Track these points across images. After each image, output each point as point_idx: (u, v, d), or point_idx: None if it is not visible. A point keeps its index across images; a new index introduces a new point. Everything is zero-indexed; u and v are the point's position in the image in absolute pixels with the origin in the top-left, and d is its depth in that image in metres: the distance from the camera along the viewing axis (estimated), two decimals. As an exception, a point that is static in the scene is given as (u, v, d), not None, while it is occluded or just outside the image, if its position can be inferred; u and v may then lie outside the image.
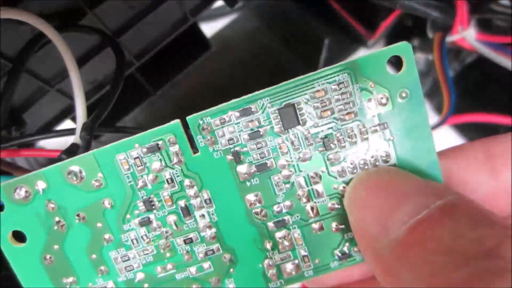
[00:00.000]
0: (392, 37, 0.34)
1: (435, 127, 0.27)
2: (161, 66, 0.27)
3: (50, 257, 0.14)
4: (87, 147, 0.16)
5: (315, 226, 0.15)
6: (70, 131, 0.18)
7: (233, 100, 0.14)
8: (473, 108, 0.26)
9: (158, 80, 0.28)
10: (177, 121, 0.14)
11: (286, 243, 0.15)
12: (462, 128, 0.33)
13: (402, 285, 0.11)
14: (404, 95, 0.14)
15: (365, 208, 0.13)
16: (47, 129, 0.20)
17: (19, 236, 0.14)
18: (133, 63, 0.24)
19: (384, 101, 0.14)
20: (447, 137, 0.32)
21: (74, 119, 0.25)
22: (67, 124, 0.24)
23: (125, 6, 0.21)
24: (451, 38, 0.25)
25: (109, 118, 0.20)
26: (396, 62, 0.14)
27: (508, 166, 0.15)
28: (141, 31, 0.22)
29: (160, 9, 0.22)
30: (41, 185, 0.14)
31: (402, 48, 0.13)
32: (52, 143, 0.22)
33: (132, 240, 0.14)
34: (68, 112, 0.23)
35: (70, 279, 0.15)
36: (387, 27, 0.31)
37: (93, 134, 0.16)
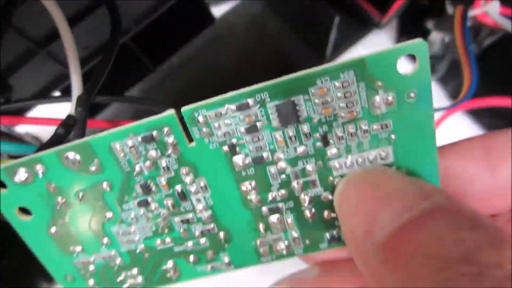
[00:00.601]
0: (405, 17, 0.30)
1: (448, 109, 0.26)
2: (161, 40, 0.25)
3: (56, 230, 0.15)
4: (83, 123, 0.15)
5: (308, 213, 0.15)
6: (66, 98, 0.17)
7: (230, 94, 0.13)
8: (491, 93, 0.25)
9: (157, 55, 0.26)
10: (171, 112, 0.13)
11: (278, 226, 0.15)
12: (477, 114, 0.31)
13: (385, 286, 0.12)
14: (412, 95, 0.13)
15: (352, 211, 0.13)
16: (42, 95, 0.19)
17: (25, 210, 0.15)
18: (130, 28, 0.22)
19: (390, 100, 0.13)
20: (461, 124, 0.30)
21: (65, 90, 0.23)
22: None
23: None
24: (472, 13, 0.22)
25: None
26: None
27: (506, 163, 0.14)
28: None
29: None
30: (40, 168, 0.14)
31: (417, 46, 0.12)
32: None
33: (132, 218, 0.15)
34: (60, 81, 0.22)
35: (77, 248, 0.16)
36: (400, 7, 0.28)
37: (88, 108, 0.16)
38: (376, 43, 0.31)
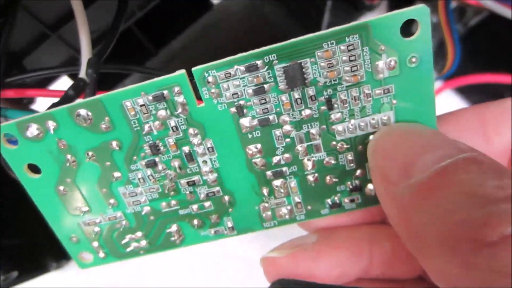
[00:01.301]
0: (394, 0, 0.31)
1: (436, 84, 0.26)
2: (162, 25, 0.26)
3: (63, 189, 0.16)
4: (93, 84, 0.16)
5: (310, 178, 0.15)
6: (75, 68, 0.18)
7: (240, 55, 0.13)
8: (478, 71, 0.25)
9: (159, 39, 0.27)
10: (182, 71, 0.14)
11: (282, 190, 0.16)
12: (466, 91, 0.32)
13: (417, 225, 0.12)
14: (414, 60, 0.13)
15: (388, 155, 0.13)
16: (50, 67, 0.20)
17: (34, 169, 0.15)
18: (134, 13, 0.22)
19: (392, 64, 0.13)
20: (451, 101, 0.31)
21: (72, 76, 0.24)
22: (65, 80, 0.24)
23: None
24: None
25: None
26: (404, 26, 0.13)
27: (500, 130, 0.15)
28: None
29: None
30: (51, 124, 0.14)
31: (420, 11, 0.13)
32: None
33: (139, 179, 0.15)
34: (69, 64, 0.22)
35: (84, 208, 0.16)
36: None
37: (98, 70, 0.16)
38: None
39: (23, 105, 0.24)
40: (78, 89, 0.16)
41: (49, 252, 0.28)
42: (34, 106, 0.27)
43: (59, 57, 0.23)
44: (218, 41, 0.31)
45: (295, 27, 0.32)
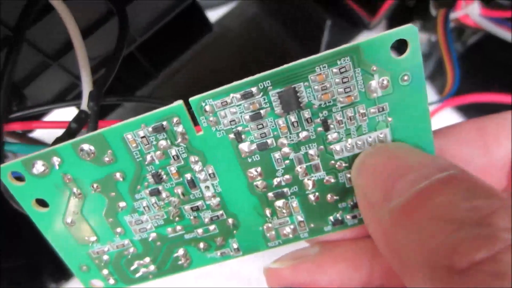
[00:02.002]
0: (394, 19, 0.32)
1: (437, 104, 0.27)
2: (163, 48, 0.27)
3: (71, 220, 0.16)
4: (95, 117, 0.16)
5: (312, 197, 0.16)
6: (77, 102, 0.18)
7: (235, 83, 0.14)
8: (476, 90, 0.26)
9: (160, 61, 0.27)
10: (180, 102, 0.14)
11: (284, 210, 0.16)
12: (465, 110, 0.32)
13: (398, 248, 0.12)
14: (406, 78, 0.14)
15: (370, 177, 0.14)
16: (53, 101, 0.20)
17: (42, 202, 0.16)
18: (135, 40, 0.23)
19: (385, 83, 0.14)
20: (449, 119, 0.31)
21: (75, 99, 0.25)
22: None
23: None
24: (454, 15, 0.23)
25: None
26: (398, 45, 0.13)
27: (499, 141, 0.15)
28: (143, 6, 0.21)
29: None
30: (56, 160, 0.15)
31: (408, 31, 0.13)
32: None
33: (144, 207, 0.16)
34: (70, 90, 0.23)
35: (92, 238, 0.16)
36: (388, 8, 0.29)
37: (100, 103, 0.17)
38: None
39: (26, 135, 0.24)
40: (81, 122, 0.16)
41: (48, 272, 0.28)
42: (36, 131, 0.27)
43: (60, 84, 0.23)
44: (217, 59, 0.32)
45: (293, 44, 0.33)
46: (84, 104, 0.17)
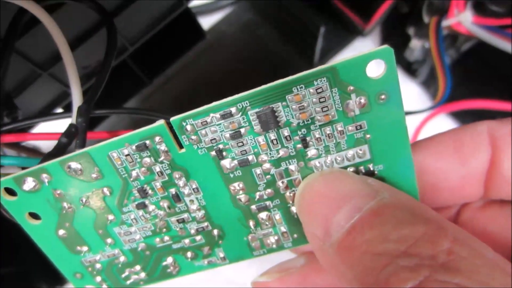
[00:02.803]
0: (387, 25, 0.32)
1: (430, 111, 0.27)
2: (156, 55, 0.27)
3: (63, 233, 0.17)
4: (83, 133, 0.17)
5: (294, 209, 0.16)
6: (67, 114, 0.19)
7: (214, 103, 0.14)
8: (470, 96, 0.25)
9: (152, 69, 0.27)
10: (161, 122, 0.14)
11: (267, 222, 0.16)
12: (459, 116, 0.32)
13: (344, 280, 0.13)
14: (383, 97, 0.14)
15: (310, 213, 0.14)
16: (44, 113, 0.21)
17: (35, 215, 0.16)
18: (127, 49, 0.23)
19: (362, 102, 0.14)
20: (444, 125, 0.31)
21: (66, 107, 0.25)
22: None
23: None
24: (447, 22, 0.23)
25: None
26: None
27: (475, 154, 0.15)
28: (135, 15, 0.21)
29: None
30: (45, 177, 0.15)
31: (384, 52, 0.13)
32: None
33: (132, 220, 0.16)
34: (61, 99, 0.23)
35: (84, 248, 0.17)
36: (382, 15, 0.29)
37: (88, 118, 0.17)
38: (361, 49, 0.32)
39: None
40: (71, 136, 0.17)
41: (41, 278, 0.29)
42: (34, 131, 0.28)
43: (52, 93, 0.23)
44: (212, 65, 0.32)
45: (288, 50, 0.33)
46: (74, 118, 0.17)
